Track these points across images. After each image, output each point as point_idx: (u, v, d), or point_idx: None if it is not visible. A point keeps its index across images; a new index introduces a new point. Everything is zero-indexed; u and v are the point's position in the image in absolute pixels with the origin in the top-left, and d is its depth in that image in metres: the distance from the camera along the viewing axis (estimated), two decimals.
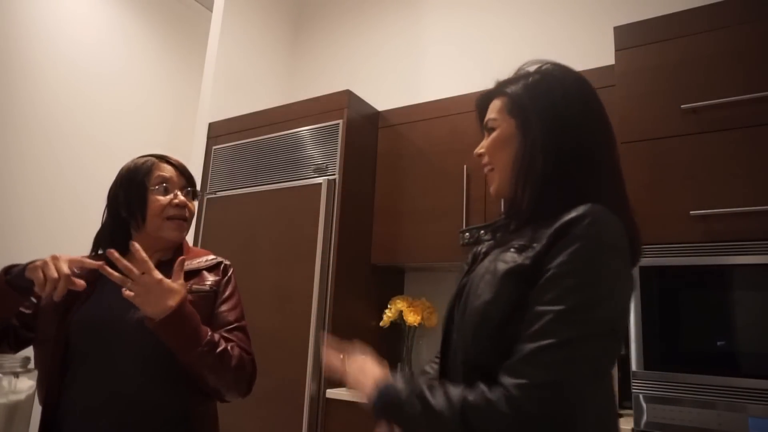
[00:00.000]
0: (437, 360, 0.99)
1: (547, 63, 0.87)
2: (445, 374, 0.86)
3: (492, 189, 0.89)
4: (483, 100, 0.94)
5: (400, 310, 2.29)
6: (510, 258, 0.75)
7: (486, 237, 0.91)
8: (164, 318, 0.97)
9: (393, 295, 2.42)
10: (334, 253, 2.19)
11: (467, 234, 0.95)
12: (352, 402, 2.01)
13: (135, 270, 0.97)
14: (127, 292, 0.97)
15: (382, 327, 2.33)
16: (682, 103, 1.64)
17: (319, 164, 2.33)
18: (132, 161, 1.22)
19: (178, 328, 0.99)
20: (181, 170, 1.22)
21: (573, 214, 0.72)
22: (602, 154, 0.80)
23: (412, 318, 2.25)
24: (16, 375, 0.91)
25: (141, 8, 3.45)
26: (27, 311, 1.15)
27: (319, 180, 2.27)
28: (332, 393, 2.05)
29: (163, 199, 1.16)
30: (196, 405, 1.09)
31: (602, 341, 0.68)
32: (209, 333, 1.05)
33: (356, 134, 2.37)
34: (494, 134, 0.87)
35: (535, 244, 0.73)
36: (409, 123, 2.43)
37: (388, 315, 2.30)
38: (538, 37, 2.54)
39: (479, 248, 0.91)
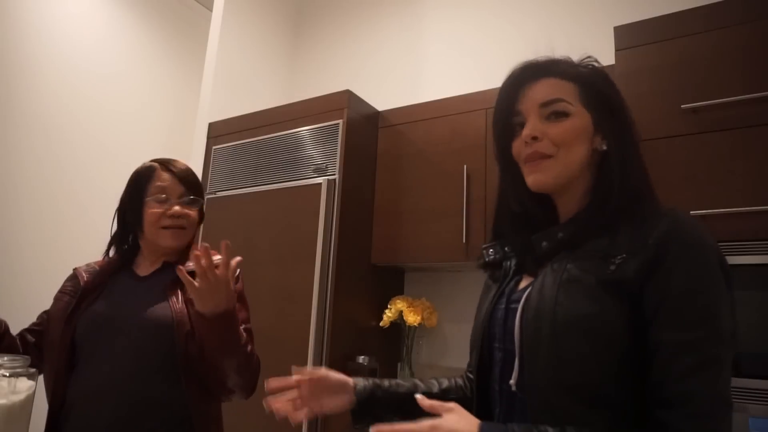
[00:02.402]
0: (468, 376, 0.93)
1: (601, 65, 0.84)
2: (486, 400, 0.80)
3: (542, 178, 0.78)
4: (537, 71, 0.82)
5: (400, 310, 2.29)
6: (593, 267, 0.69)
7: (512, 252, 0.84)
8: (217, 316, 1.00)
9: (393, 295, 2.42)
10: (334, 253, 2.19)
11: (491, 250, 0.87)
12: None
13: (215, 271, 0.98)
14: (195, 284, 0.99)
15: (382, 327, 2.33)
16: (682, 103, 1.64)
17: (319, 164, 2.33)
18: (140, 166, 1.24)
19: (226, 328, 1.02)
20: (180, 177, 1.21)
21: (668, 219, 0.68)
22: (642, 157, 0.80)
23: (412, 318, 2.25)
24: (16, 375, 0.91)
25: (141, 8, 3.45)
26: (37, 327, 1.20)
27: (319, 180, 2.27)
28: None
29: (158, 209, 1.17)
30: (197, 404, 1.09)
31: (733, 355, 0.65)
32: (243, 338, 1.08)
33: (356, 134, 2.37)
34: (572, 122, 0.77)
35: (624, 254, 0.68)
36: (409, 123, 2.43)
37: (388, 315, 2.30)
38: (539, 37, 2.54)
39: (509, 263, 0.84)
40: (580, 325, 0.66)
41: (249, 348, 1.10)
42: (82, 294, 1.16)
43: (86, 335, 1.11)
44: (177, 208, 1.18)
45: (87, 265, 1.25)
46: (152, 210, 1.17)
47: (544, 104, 0.78)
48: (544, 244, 0.79)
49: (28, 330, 1.20)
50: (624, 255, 0.68)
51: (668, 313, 0.64)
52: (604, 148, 0.78)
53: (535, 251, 0.80)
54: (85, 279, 1.19)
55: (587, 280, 0.68)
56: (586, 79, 0.80)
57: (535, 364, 0.70)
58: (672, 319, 0.64)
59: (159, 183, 1.19)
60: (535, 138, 0.78)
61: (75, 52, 3.04)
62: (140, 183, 1.20)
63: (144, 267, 1.22)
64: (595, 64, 0.83)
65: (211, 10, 3.06)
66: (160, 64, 3.54)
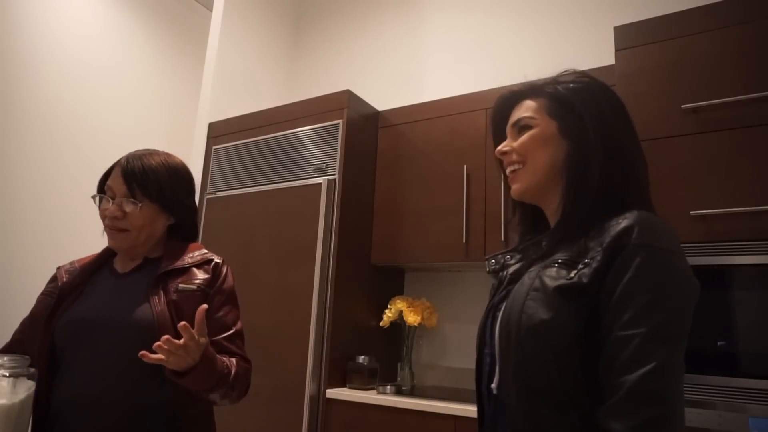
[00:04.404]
0: None
1: (584, 75, 0.86)
2: (481, 401, 0.83)
3: (516, 187, 0.85)
4: (510, 98, 0.90)
5: (400, 310, 2.29)
6: (556, 274, 0.72)
7: (512, 261, 0.87)
8: (193, 367, 0.96)
9: (393, 295, 2.42)
10: (334, 253, 2.19)
11: (492, 261, 0.91)
12: (352, 402, 2.02)
13: (180, 343, 0.93)
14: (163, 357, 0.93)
15: (382, 327, 2.33)
16: (682, 103, 1.64)
17: (319, 164, 2.33)
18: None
19: (204, 374, 0.99)
20: (125, 175, 1.14)
21: (623, 223, 0.69)
22: (639, 163, 0.81)
23: (412, 318, 2.25)
24: (16, 375, 0.90)
25: (141, 8, 3.45)
26: (21, 337, 1.15)
27: (319, 180, 2.27)
28: (332, 393, 2.05)
29: (100, 210, 1.15)
30: (185, 406, 1.07)
31: (683, 350, 0.66)
32: (225, 367, 1.05)
33: (356, 134, 2.37)
34: (533, 132, 0.83)
35: (587, 260, 0.70)
36: (409, 123, 2.43)
37: (388, 315, 2.30)
38: (539, 38, 2.54)
39: (505, 272, 0.87)
40: (539, 332, 0.69)
41: (232, 373, 1.07)
42: (60, 295, 1.12)
43: (65, 339, 1.07)
44: (111, 208, 1.13)
45: (70, 263, 1.21)
46: (99, 209, 1.16)
47: (514, 124, 0.87)
48: (530, 252, 0.84)
49: (13, 342, 1.15)
50: (587, 260, 0.70)
51: (611, 313, 0.67)
52: (570, 151, 0.81)
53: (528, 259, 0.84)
54: (64, 279, 1.15)
55: (549, 288, 0.71)
56: (555, 90, 0.85)
57: (507, 370, 0.73)
58: (613, 318, 0.66)
59: (109, 182, 1.16)
60: (504, 153, 0.87)
61: (76, 51, 3.04)
62: (101, 180, 1.18)
63: (123, 263, 1.19)
64: (571, 77, 0.87)
65: (211, 10, 3.07)
66: (160, 64, 3.55)
